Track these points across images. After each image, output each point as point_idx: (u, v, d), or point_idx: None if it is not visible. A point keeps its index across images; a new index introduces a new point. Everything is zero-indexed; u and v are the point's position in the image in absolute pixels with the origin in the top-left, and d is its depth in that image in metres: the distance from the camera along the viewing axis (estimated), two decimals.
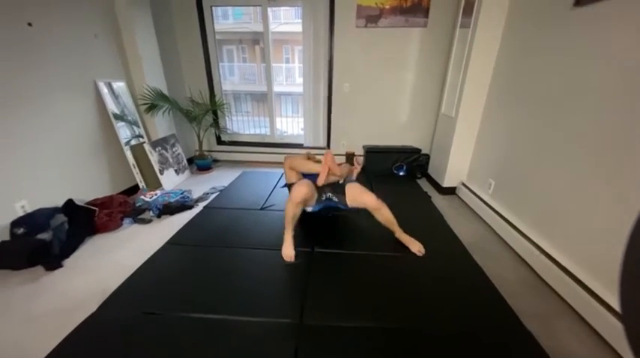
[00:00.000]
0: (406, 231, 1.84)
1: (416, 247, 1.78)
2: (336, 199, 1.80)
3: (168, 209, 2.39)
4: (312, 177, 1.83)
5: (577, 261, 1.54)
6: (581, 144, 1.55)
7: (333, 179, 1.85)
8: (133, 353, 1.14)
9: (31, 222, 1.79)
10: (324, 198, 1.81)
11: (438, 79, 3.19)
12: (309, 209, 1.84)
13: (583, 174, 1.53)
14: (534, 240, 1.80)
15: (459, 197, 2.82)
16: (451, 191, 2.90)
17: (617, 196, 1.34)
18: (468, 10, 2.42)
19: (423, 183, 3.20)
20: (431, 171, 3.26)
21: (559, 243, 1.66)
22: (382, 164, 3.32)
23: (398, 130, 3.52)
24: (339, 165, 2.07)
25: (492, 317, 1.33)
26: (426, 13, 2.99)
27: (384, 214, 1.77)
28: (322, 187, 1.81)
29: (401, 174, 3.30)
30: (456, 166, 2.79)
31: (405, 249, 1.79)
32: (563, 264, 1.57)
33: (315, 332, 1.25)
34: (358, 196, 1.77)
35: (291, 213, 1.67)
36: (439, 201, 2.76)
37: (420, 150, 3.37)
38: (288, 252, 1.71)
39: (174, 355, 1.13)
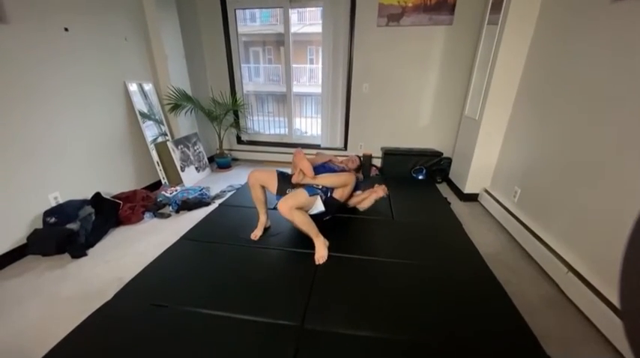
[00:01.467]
0: (421, 237, 1.75)
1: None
2: None
3: (186, 205, 2.48)
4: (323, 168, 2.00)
5: (610, 282, 1.38)
6: (621, 154, 1.39)
7: (307, 180, 1.83)
8: (138, 343, 1.19)
9: (62, 212, 1.94)
10: (287, 192, 1.83)
11: (462, 79, 3.04)
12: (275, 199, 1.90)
13: (622, 187, 1.37)
14: (562, 255, 1.65)
15: (481, 204, 2.66)
16: (473, 198, 2.75)
17: None
18: (497, 5, 2.27)
19: (444, 189, 3.06)
20: (452, 176, 3.11)
21: (590, 261, 1.51)
22: (400, 167, 3.22)
23: (419, 132, 3.40)
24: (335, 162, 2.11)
25: (507, 337, 1.23)
26: (451, 10, 2.86)
27: (297, 223, 1.66)
28: (290, 182, 1.86)
29: (420, 178, 3.18)
30: (478, 172, 2.64)
31: (417, 256, 1.72)
32: (594, 283, 1.42)
33: (316, 336, 1.23)
34: (281, 201, 1.66)
35: (252, 195, 1.87)
36: (459, 207, 2.63)
37: (442, 153, 3.23)
38: (255, 231, 1.90)
39: (176, 348, 1.16)
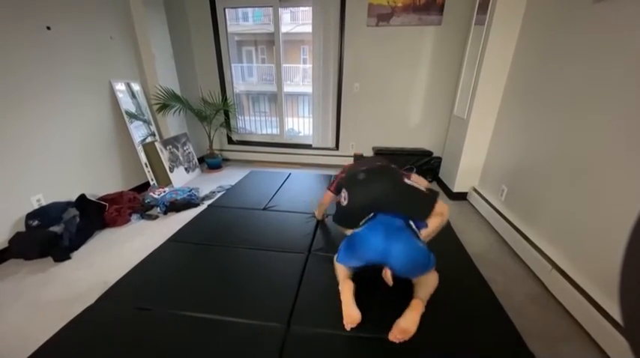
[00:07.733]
0: None
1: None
2: None
3: (174, 206, 2.45)
4: None
5: (594, 280, 1.40)
6: (605, 151, 1.41)
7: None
8: (121, 347, 1.17)
9: (45, 215, 1.90)
10: None
11: (451, 79, 3.05)
12: None
13: (607, 184, 1.39)
14: (547, 253, 1.67)
15: (470, 203, 2.68)
16: (462, 196, 2.77)
17: None
18: (484, 6, 2.29)
19: (434, 188, 3.07)
20: (442, 175, 3.13)
21: (575, 259, 1.53)
22: None
23: (409, 132, 3.41)
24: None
25: (491, 334, 1.24)
26: (440, 10, 2.88)
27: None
28: None
29: None
30: (467, 171, 2.66)
31: None
32: (578, 282, 1.44)
33: (302, 338, 1.22)
34: None
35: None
36: (449, 206, 2.64)
37: (432, 152, 3.25)
38: (352, 312, 1.25)
39: (158, 352, 1.14)
